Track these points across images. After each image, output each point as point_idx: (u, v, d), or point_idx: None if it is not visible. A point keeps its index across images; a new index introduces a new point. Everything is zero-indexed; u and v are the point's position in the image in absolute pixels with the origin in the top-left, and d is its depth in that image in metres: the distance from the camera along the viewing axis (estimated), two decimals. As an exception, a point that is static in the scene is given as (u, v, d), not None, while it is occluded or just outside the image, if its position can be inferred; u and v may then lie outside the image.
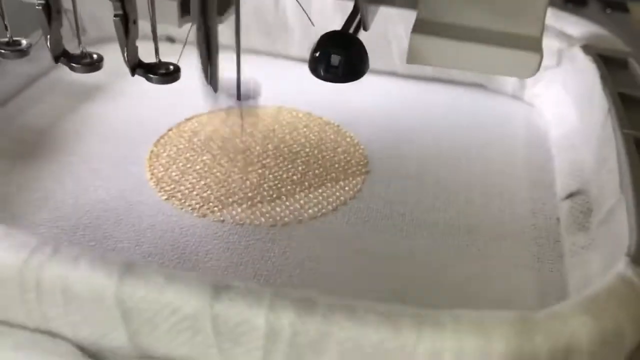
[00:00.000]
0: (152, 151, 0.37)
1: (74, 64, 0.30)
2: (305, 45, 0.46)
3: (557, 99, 0.40)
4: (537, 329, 0.21)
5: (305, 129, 0.40)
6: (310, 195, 0.34)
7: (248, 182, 0.35)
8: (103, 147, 0.37)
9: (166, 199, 0.33)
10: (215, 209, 0.33)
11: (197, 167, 0.36)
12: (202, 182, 0.34)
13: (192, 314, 0.21)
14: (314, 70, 0.28)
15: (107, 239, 0.31)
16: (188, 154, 0.37)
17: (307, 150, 0.38)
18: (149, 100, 0.41)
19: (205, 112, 0.40)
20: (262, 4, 0.46)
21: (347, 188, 0.35)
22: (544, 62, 0.41)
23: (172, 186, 0.34)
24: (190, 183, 0.34)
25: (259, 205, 0.33)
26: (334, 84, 0.30)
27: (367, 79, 0.45)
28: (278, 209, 0.33)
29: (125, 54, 0.28)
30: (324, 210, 0.33)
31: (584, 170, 0.34)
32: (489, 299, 0.29)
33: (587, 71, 0.37)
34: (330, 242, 0.32)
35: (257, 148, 0.37)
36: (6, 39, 0.29)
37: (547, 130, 0.41)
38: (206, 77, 0.32)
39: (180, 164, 0.36)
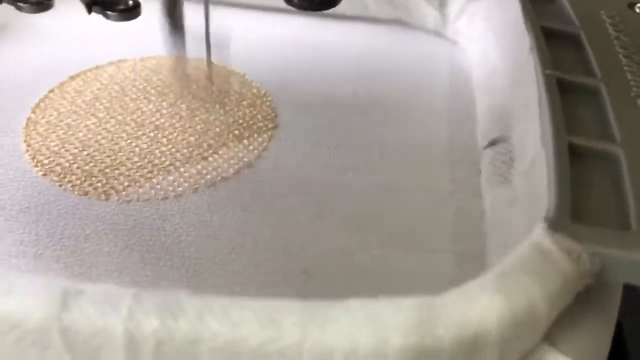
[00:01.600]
0: (29, 118, 0.32)
1: (109, 12, 0.28)
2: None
3: (480, 35, 0.37)
4: (438, 317, 0.18)
5: (206, 81, 0.36)
6: (210, 159, 0.31)
7: (137, 149, 0.31)
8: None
9: (43, 174, 0.29)
10: (99, 184, 0.29)
11: (80, 134, 0.31)
12: (85, 153, 0.30)
13: (37, 327, 0.18)
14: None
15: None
16: (70, 119, 0.32)
17: (208, 106, 0.34)
18: (35, 55, 0.36)
19: (93, 68, 0.36)
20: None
21: (251, 147, 0.31)
22: (467, -6, 0.38)
23: (51, 159, 0.30)
24: (71, 154, 0.30)
25: (149, 175, 0.29)
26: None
27: (278, 21, 0.41)
28: (171, 178, 0.29)
29: None
30: (224, 175, 0.30)
31: (506, 116, 0.31)
32: (402, 271, 0.26)
33: (509, 3, 0.34)
34: (231, 212, 0.28)
35: (150, 107, 0.33)
36: None
37: (470, 70, 0.37)
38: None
39: (61, 132, 0.32)
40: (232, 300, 0.18)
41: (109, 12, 0.28)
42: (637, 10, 0.34)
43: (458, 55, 0.39)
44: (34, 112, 0.33)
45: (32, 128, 0.32)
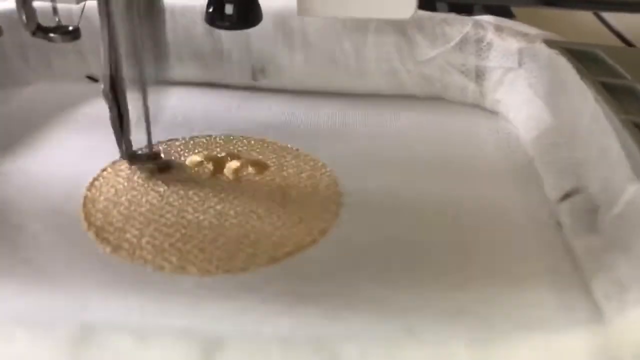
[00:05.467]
0: (86, 197, 0.31)
1: (52, 34, 0.30)
2: (245, 71, 0.42)
3: (524, 100, 0.38)
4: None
5: (261, 156, 0.35)
6: (277, 233, 0.29)
7: (207, 222, 0.29)
8: (26, 203, 0.31)
9: (112, 251, 0.28)
10: (173, 258, 0.27)
11: (143, 209, 0.30)
12: (152, 227, 0.29)
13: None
14: (211, 21, 0.30)
15: (50, 309, 0.24)
16: (129, 195, 0.31)
17: (268, 179, 0.33)
18: (70, 146, 0.35)
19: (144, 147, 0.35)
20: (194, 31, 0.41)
21: (311, 224, 0.30)
22: (505, 64, 0.39)
23: (116, 235, 0.28)
24: (137, 229, 0.29)
25: (224, 247, 0.28)
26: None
27: (318, 100, 0.42)
28: (250, 250, 0.28)
29: (24, 16, 0.28)
30: (301, 243, 0.28)
31: (577, 167, 0.31)
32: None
33: (557, 66, 0.35)
34: (309, 282, 0.27)
35: (212, 182, 0.32)
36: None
37: (518, 134, 0.38)
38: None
39: (122, 208, 0.30)
40: None
41: (52, 35, 0.30)
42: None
43: (501, 123, 0.39)
44: (89, 190, 0.31)
45: (90, 206, 0.30)
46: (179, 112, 0.39)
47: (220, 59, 0.42)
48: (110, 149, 0.35)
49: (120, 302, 0.25)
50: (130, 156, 0.32)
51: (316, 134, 0.38)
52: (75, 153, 0.35)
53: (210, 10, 0.30)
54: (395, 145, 0.37)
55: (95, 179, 0.32)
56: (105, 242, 0.28)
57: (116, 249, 0.28)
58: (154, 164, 0.33)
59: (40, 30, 0.29)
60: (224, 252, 0.28)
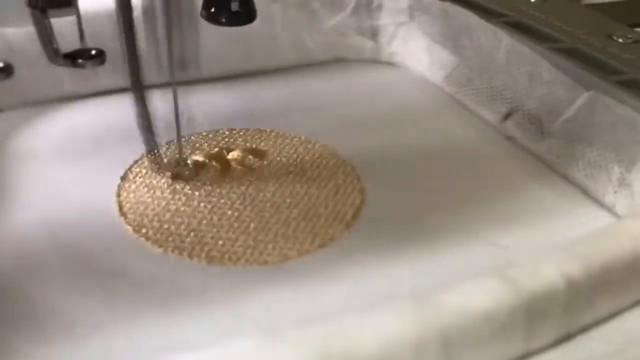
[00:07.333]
0: (129, 223, 0.29)
1: (81, 60, 0.29)
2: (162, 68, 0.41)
3: (422, 49, 0.45)
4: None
5: (248, 144, 0.36)
6: (330, 204, 0.32)
7: (267, 213, 0.31)
8: (74, 247, 0.28)
9: (208, 262, 0.28)
10: (270, 250, 0.29)
11: (198, 219, 0.30)
12: (223, 231, 0.29)
13: None
14: (214, 19, 0.32)
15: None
16: (172, 212, 0.30)
17: (276, 162, 0.35)
18: (50, 180, 0.33)
19: (140, 157, 0.34)
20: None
21: (349, 189, 0.33)
22: (396, 20, 0.46)
23: (198, 247, 0.28)
24: (211, 237, 0.29)
25: (304, 229, 0.30)
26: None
27: (240, 83, 0.43)
28: (326, 223, 0.30)
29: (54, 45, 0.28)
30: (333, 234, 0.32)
31: (505, 92, 0.39)
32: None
33: (454, 14, 0.42)
34: (394, 231, 0.31)
35: (235, 185, 0.33)
36: None
37: (425, 78, 0.45)
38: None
39: (178, 224, 0.30)
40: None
41: (80, 61, 0.29)
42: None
43: (402, 73, 0.46)
44: (124, 217, 0.30)
45: (144, 231, 0.29)
46: (119, 120, 0.38)
47: (135, 60, 0.40)
48: (92, 173, 0.33)
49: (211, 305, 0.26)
50: (159, 163, 0.32)
51: (268, 114, 0.40)
52: (64, 185, 0.32)
53: (212, 9, 0.30)
54: (344, 108, 0.41)
55: (120, 206, 0.31)
56: (195, 257, 0.28)
57: (210, 259, 0.28)
58: (182, 168, 0.32)
59: (67, 58, 0.27)
60: (309, 232, 0.30)
